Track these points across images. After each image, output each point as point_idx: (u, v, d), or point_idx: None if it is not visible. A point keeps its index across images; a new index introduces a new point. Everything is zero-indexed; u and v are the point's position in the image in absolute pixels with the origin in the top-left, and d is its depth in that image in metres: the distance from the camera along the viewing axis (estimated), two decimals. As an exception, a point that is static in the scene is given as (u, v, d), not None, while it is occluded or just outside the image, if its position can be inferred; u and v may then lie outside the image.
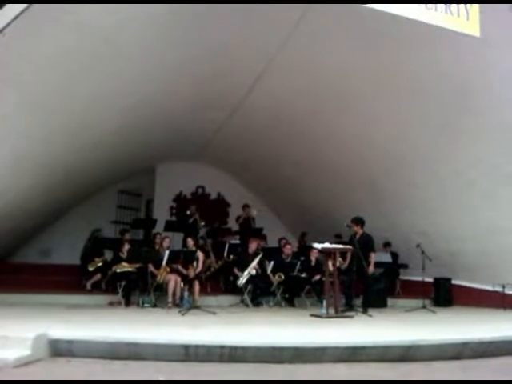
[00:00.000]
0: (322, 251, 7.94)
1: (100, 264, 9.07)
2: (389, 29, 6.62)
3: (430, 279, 9.52)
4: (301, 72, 8.01)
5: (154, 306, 7.98)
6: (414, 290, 9.84)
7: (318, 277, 8.88)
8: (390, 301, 9.59)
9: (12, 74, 5.70)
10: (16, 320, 5.56)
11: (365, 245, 7.96)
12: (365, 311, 7.62)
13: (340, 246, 7.89)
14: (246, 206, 11.40)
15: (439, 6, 5.88)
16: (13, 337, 4.34)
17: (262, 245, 10.12)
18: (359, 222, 8.26)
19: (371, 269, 8.07)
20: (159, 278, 8.14)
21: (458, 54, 6.97)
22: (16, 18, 4.82)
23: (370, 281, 8.22)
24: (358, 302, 8.14)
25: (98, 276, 9.03)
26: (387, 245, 10.56)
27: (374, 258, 8.24)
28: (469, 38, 6.07)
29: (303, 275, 9.10)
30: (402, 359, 4.69)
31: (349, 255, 8.17)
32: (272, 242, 10.85)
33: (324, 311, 7.19)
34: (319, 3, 6.43)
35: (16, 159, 7.12)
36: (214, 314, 6.98)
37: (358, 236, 8.14)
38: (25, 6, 4.81)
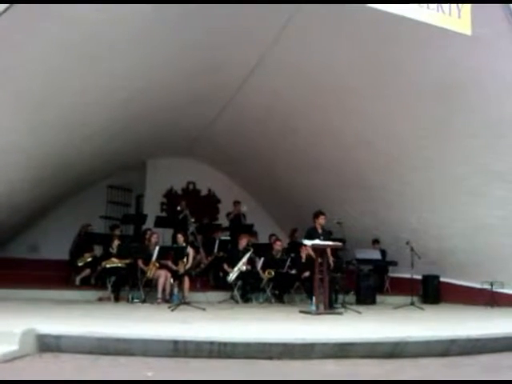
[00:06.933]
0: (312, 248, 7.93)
1: (89, 259, 9.05)
2: (380, 27, 6.63)
3: (418, 276, 9.59)
4: (293, 68, 8.00)
5: (144, 301, 7.97)
6: (402, 287, 9.90)
7: (307, 273, 8.90)
8: (378, 297, 9.65)
9: (0, 69, 5.64)
10: (3, 315, 5.52)
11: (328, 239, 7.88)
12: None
13: (330, 243, 7.90)
14: (236, 203, 11.41)
15: (431, 4, 5.88)
16: (0, 332, 4.31)
17: (252, 241, 10.13)
18: (322, 215, 8.19)
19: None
20: (149, 274, 8.13)
21: (449, 53, 6.99)
22: (2, 13, 4.76)
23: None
24: (347, 298, 8.14)
25: (88, 271, 9.01)
26: (376, 242, 10.59)
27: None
28: (460, 37, 6.09)
29: (293, 272, 9.12)
30: (389, 356, 4.71)
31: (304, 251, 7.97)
32: (263, 239, 10.87)
33: (313, 308, 7.21)
34: (312, 3, 6.44)
35: (5, 152, 7.06)
36: (204, 309, 6.97)
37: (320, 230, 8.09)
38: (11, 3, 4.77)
